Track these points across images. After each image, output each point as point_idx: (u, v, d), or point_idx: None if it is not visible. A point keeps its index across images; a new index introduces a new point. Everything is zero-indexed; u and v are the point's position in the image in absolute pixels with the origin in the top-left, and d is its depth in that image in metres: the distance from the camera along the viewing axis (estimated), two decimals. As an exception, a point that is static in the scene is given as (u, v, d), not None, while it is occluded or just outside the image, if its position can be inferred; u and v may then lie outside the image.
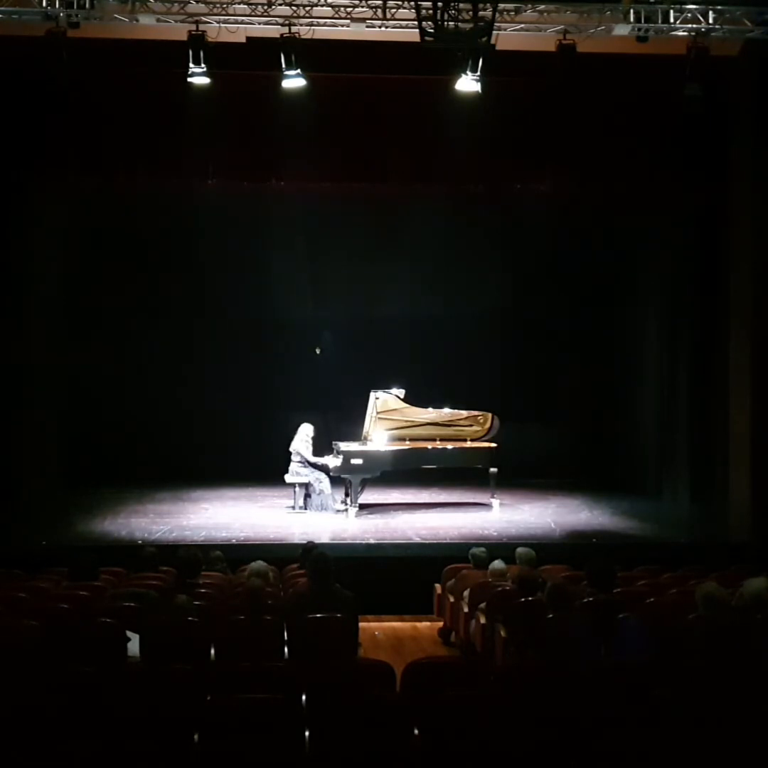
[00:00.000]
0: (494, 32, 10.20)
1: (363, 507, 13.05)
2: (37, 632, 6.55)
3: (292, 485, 13.06)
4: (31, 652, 6.31)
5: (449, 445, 13.57)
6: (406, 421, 13.48)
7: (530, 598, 7.48)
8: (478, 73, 11.17)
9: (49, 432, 14.72)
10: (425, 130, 12.79)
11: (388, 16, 11.34)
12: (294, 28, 11.29)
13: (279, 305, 16.31)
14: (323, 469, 13.11)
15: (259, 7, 11.31)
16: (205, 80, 11.46)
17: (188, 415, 15.87)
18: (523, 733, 5.03)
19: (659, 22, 11.32)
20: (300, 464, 13.02)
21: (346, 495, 13.10)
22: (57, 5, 10.89)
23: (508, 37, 11.28)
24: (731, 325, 12.84)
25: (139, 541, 11.05)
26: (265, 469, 14.17)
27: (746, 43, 11.93)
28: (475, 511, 13.41)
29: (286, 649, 6.82)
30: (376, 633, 9.79)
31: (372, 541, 11.39)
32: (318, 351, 16.32)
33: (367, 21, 11.44)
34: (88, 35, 11.21)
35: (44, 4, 10.94)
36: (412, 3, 10.43)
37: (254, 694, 5.31)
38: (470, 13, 9.63)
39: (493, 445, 13.59)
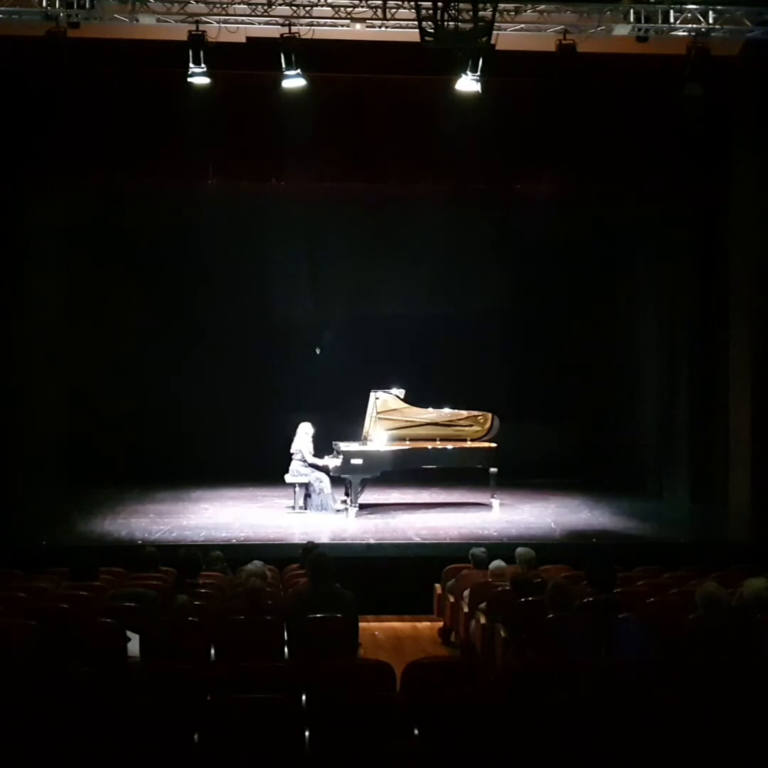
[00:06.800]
0: (494, 32, 10.21)
1: (363, 507, 13.05)
2: (36, 632, 6.54)
3: (292, 485, 13.06)
4: (31, 652, 6.31)
5: (449, 445, 13.56)
6: (406, 421, 13.48)
7: (530, 598, 7.48)
8: (478, 73, 11.17)
9: (49, 432, 14.71)
10: (426, 130, 12.77)
11: (388, 16, 11.34)
12: (294, 28, 11.30)
13: (279, 305, 16.30)
14: (323, 469, 13.11)
15: (259, 7, 11.32)
16: (205, 80, 11.47)
17: (188, 415, 15.87)
18: (523, 733, 5.02)
19: (659, 22, 11.33)
20: (301, 463, 13.02)
21: (346, 495, 13.10)
22: (57, 5, 10.90)
23: (508, 37, 11.29)
24: (731, 325, 12.83)
25: (139, 541, 11.05)
26: (265, 469, 14.17)
27: (746, 43, 11.92)
28: (475, 511, 13.40)
29: (286, 649, 6.81)
30: (376, 633, 9.79)
31: (372, 541, 11.39)
32: (318, 351, 16.31)
33: (367, 21, 11.44)
34: (88, 35, 11.22)
35: (44, 4, 10.95)
36: (412, 3, 10.43)
37: (254, 694, 5.31)
38: (470, 13, 9.63)
39: (493, 445, 13.58)
